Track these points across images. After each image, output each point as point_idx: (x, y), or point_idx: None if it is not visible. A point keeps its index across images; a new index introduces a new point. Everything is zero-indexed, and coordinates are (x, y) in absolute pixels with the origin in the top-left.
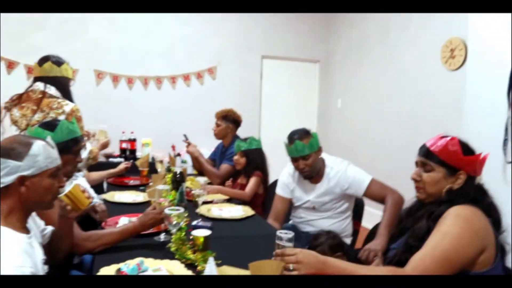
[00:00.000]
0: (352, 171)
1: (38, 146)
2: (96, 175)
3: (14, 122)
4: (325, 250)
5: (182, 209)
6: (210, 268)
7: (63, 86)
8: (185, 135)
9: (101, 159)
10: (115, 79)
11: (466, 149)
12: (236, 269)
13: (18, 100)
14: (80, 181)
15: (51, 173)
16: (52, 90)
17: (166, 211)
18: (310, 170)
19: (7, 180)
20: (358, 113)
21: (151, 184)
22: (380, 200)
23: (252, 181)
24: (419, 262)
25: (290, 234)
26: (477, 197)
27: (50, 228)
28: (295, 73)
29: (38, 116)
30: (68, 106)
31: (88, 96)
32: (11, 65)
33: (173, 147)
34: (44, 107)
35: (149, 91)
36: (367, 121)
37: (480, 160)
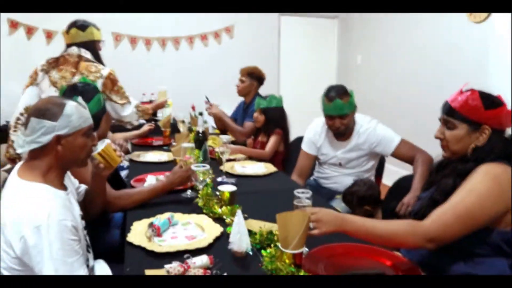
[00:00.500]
0: (382, 130)
1: (71, 106)
2: (121, 136)
3: (54, 84)
4: (353, 199)
5: (207, 166)
6: (239, 220)
7: (92, 49)
8: (206, 97)
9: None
10: (133, 41)
11: (489, 102)
12: (262, 222)
13: (55, 63)
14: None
15: (84, 132)
16: (88, 54)
17: (193, 168)
18: (344, 129)
19: (44, 139)
20: (378, 69)
21: (174, 144)
22: (408, 159)
23: (272, 139)
24: (440, 216)
25: (308, 193)
26: (507, 152)
27: (84, 186)
28: (314, 29)
29: (77, 79)
30: (105, 70)
31: (106, 58)
32: (30, 31)
33: (193, 107)
34: (83, 70)
35: (167, 52)
36: (388, 78)
37: (505, 113)
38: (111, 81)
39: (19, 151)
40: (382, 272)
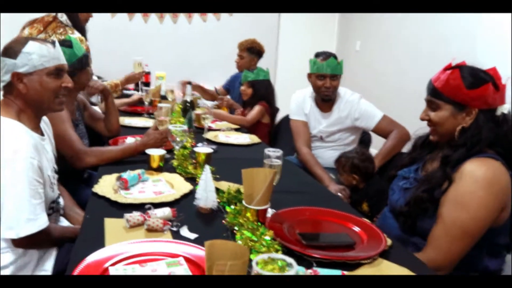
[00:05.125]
0: (365, 104)
1: (33, 44)
2: None
3: None
4: (346, 164)
5: (184, 127)
6: (206, 176)
7: (73, 21)
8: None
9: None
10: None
11: (471, 81)
12: (231, 184)
13: (34, 21)
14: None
15: (49, 72)
16: (63, 17)
17: (170, 127)
18: (332, 92)
19: (6, 78)
20: (378, 56)
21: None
22: (387, 135)
23: (255, 109)
24: (437, 243)
25: (279, 153)
26: (497, 134)
27: None
28: (314, 13)
29: (39, 36)
30: (74, 35)
31: (103, 28)
32: None
33: (188, 82)
34: (49, 30)
35: (165, 25)
36: (387, 64)
37: (491, 91)
38: None
39: None
40: (346, 235)
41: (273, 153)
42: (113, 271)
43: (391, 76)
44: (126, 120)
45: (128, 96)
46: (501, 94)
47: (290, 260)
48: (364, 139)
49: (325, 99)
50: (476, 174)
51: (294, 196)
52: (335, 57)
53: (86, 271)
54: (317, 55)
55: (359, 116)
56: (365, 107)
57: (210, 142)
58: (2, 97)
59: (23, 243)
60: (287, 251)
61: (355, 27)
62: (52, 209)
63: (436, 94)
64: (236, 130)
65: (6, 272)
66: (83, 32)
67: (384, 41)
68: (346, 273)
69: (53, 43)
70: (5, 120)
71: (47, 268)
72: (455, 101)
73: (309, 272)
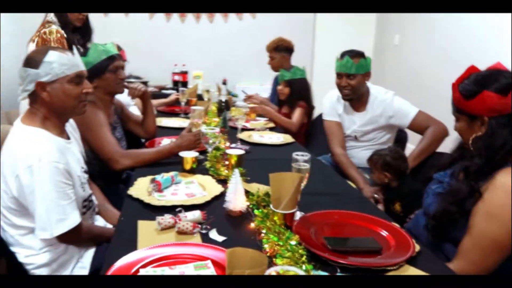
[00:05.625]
0: (398, 102)
1: (53, 53)
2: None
3: None
4: (379, 161)
5: (217, 129)
6: (236, 179)
7: (63, 20)
8: (243, 91)
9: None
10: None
11: (467, 91)
12: (262, 186)
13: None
14: (132, 109)
15: (70, 79)
16: (50, 15)
17: (202, 130)
18: (351, 91)
19: (30, 87)
20: (418, 50)
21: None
22: (424, 131)
23: (297, 112)
24: (466, 254)
25: (306, 156)
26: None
27: None
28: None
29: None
30: (49, 29)
31: (141, 29)
32: None
33: (225, 80)
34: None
35: (201, 24)
36: (428, 60)
37: (489, 97)
38: (41, 39)
39: (18, 99)
40: (373, 240)
41: (301, 157)
42: (143, 272)
43: (432, 71)
44: (164, 121)
45: (166, 96)
46: (500, 99)
47: (301, 273)
48: (401, 137)
49: (345, 99)
50: (507, 186)
51: (324, 198)
52: (355, 55)
53: (118, 272)
54: (342, 52)
55: (393, 114)
56: (399, 104)
57: (243, 142)
58: (28, 107)
59: (63, 239)
60: (312, 256)
61: (394, 20)
62: (86, 207)
63: (452, 105)
64: (270, 129)
65: (49, 269)
66: (72, 31)
67: (424, 34)
68: None
69: (71, 51)
70: (30, 129)
71: (85, 265)
72: (464, 112)
73: None
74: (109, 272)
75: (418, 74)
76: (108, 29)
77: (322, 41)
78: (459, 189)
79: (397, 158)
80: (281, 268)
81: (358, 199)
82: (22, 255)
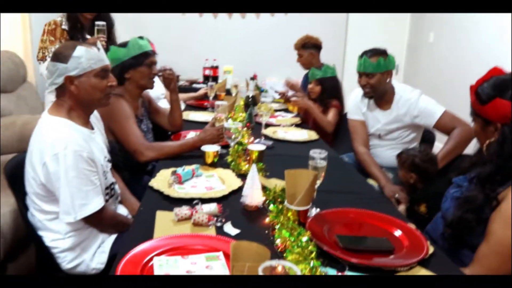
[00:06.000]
0: (424, 101)
1: (80, 48)
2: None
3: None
4: (407, 161)
5: (240, 124)
6: (253, 174)
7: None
8: (276, 91)
9: (184, 84)
10: None
11: (483, 96)
12: (279, 181)
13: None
14: (162, 103)
15: (96, 73)
16: (63, 24)
17: (225, 125)
18: (371, 89)
19: (59, 80)
20: (453, 49)
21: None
22: (450, 132)
23: (332, 112)
24: (483, 262)
25: (323, 154)
26: None
27: None
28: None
29: (55, 46)
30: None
31: (174, 25)
32: None
33: (255, 76)
34: (62, 38)
35: (234, 20)
36: (464, 58)
37: (504, 106)
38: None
39: (45, 92)
40: (386, 240)
41: (318, 155)
42: (156, 261)
43: (466, 70)
44: (191, 115)
45: (196, 90)
46: None
47: (296, 269)
48: (428, 138)
49: (366, 96)
50: None
51: (342, 196)
52: (375, 53)
53: (133, 259)
54: (364, 51)
55: (418, 114)
56: (425, 104)
57: (267, 138)
58: (55, 99)
59: (88, 222)
60: (323, 253)
61: (429, 17)
62: (108, 195)
63: (470, 106)
64: (296, 126)
65: (73, 253)
66: (82, 30)
67: (460, 31)
68: None
69: (96, 45)
70: (57, 119)
71: (105, 250)
72: (479, 115)
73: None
74: (125, 259)
75: (451, 73)
76: (142, 24)
77: (354, 40)
78: (475, 197)
79: (426, 161)
80: (277, 262)
81: (377, 198)
82: (49, 239)
